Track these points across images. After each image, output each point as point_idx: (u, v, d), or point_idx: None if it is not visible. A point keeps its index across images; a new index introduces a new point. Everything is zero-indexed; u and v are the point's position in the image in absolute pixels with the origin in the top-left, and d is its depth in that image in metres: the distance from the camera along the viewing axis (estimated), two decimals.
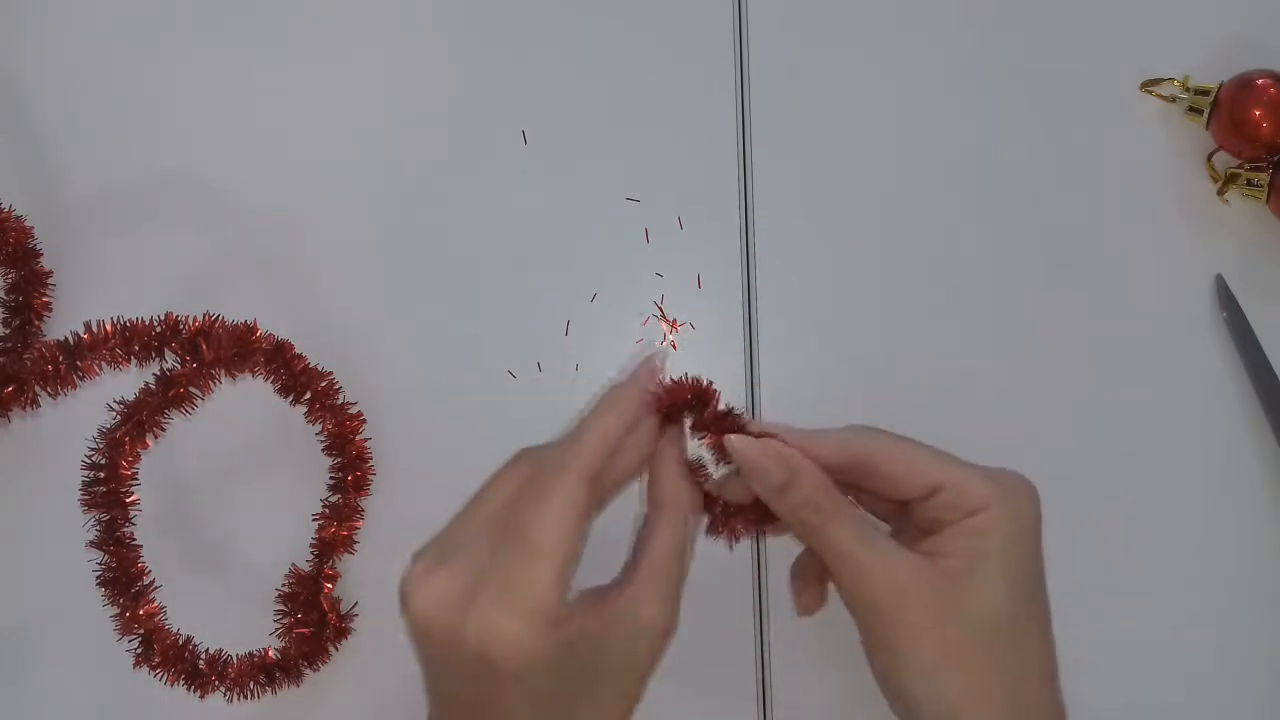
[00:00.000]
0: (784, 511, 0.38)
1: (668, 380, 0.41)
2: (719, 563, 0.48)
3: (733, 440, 0.38)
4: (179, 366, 0.47)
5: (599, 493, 0.38)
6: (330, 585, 0.48)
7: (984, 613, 0.35)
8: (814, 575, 0.43)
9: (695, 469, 0.41)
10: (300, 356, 0.49)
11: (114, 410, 0.47)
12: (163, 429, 0.48)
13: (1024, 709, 0.35)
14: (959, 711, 0.35)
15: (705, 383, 0.41)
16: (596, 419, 0.39)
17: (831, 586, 0.44)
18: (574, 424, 0.39)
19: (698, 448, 0.42)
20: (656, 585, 0.37)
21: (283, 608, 0.48)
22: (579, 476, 0.36)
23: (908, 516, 0.39)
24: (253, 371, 0.49)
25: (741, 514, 0.41)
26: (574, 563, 0.36)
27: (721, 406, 0.40)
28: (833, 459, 0.38)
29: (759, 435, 0.38)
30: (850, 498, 0.39)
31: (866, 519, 0.38)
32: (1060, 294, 0.51)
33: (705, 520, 0.42)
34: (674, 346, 0.51)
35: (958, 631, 0.35)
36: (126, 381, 0.48)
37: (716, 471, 0.42)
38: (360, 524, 0.49)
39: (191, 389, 0.48)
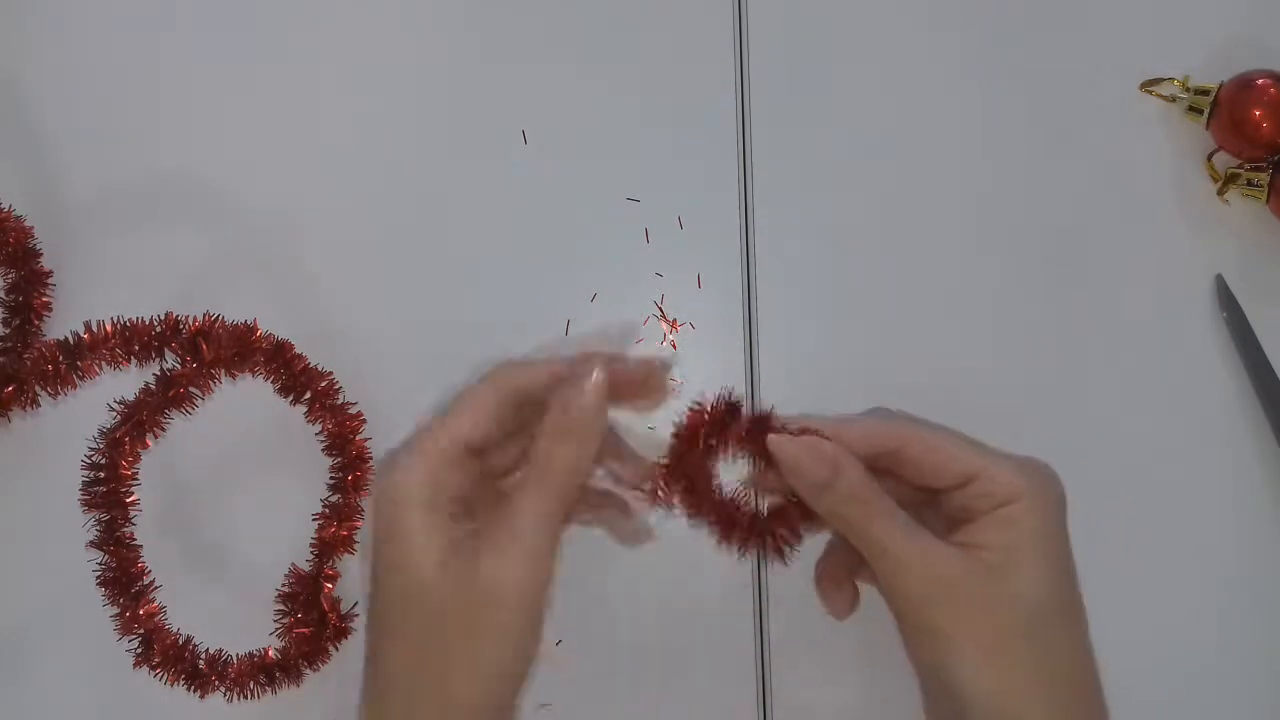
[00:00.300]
0: (825, 507, 0.38)
1: (693, 405, 0.40)
2: (719, 564, 0.48)
3: (774, 441, 0.38)
4: (179, 366, 0.48)
5: (514, 404, 0.40)
6: (330, 585, 0.48)
7: (1023, 603, 0.36)
8: (844, 574, 0.43)
9: (731, 502, 0.40)
10: (300, 356, 0.49)
11: (114, 410, 0.47)
12: (163, 429, 0.48)
13: (1064, 695, 0.36)
14: (1002, 700, 0.35)
15: (730, 393, 0.40)
16: (522, 365, 0.41)
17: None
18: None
19: (727, 463, 0.41)
20: (516, 545, 0.37)
21: (283, 608, 0.48)
22: (491, 387, 0.40)
23: (935, 505, 0.39)
24: (253, 371, 0.49)
25: (780, 520, 0.40)
26: (448, 453, 0.38)
27: (748, 410, 0.40)
28: (862, 448, 0.38)
29: (799, 433, 0.38)
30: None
31: (902, 512, 0.38)
32: (1060, 294, 0.51)
33: (745, 540, 0.41)
34: (674, 346, 0.51)
35: (999, 622, 0.36)
36: (126, 381, 0.48)
37: (727, 475, 0.42)
38: (360, 524, 0.49)
39: (191, 389, 0.48)
